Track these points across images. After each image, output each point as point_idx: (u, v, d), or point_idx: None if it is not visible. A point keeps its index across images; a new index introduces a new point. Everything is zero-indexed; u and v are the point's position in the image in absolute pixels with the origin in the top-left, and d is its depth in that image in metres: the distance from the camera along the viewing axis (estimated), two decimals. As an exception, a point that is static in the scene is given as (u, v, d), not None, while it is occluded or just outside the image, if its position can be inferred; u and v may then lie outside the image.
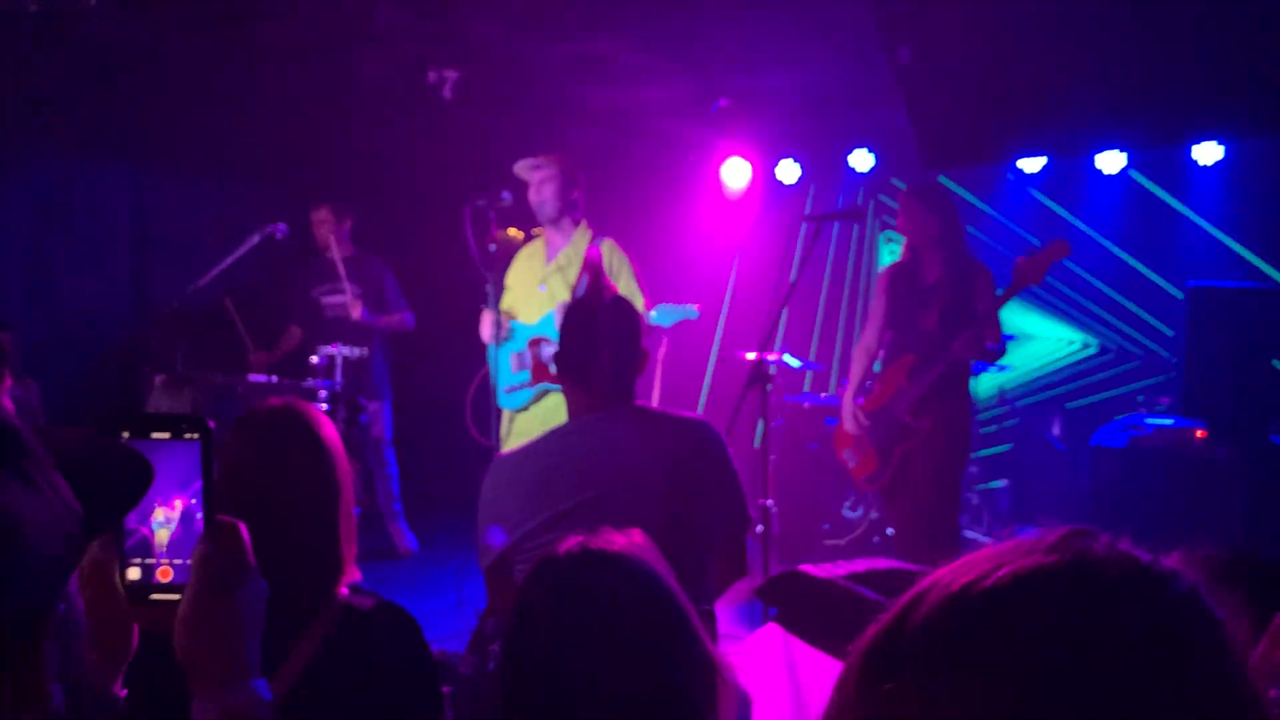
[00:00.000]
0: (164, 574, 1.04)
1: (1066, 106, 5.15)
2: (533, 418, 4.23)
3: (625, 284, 4.35)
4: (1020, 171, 6.67)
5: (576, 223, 4.38)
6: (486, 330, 4.40)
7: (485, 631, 3.19)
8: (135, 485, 0.87)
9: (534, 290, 4.33)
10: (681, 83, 5.64)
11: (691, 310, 4.16)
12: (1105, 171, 6.38)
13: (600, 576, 1.31)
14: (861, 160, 7.00)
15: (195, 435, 1.03)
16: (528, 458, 2.40)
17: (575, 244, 4.35)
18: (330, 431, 1.81)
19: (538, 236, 4.45)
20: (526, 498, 2.30)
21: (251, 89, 5.65)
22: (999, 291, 4.24)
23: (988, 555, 0.65)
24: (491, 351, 4.47)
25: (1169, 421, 5.41)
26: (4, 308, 5.95)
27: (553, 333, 4.25)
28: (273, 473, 1.73)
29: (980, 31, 4.62)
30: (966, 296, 4.27)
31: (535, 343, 4.25)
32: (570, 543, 1.36)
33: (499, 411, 4.50)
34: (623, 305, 2.49)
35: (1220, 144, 6.04)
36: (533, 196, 4.31)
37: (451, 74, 5.11)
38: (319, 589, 1.71)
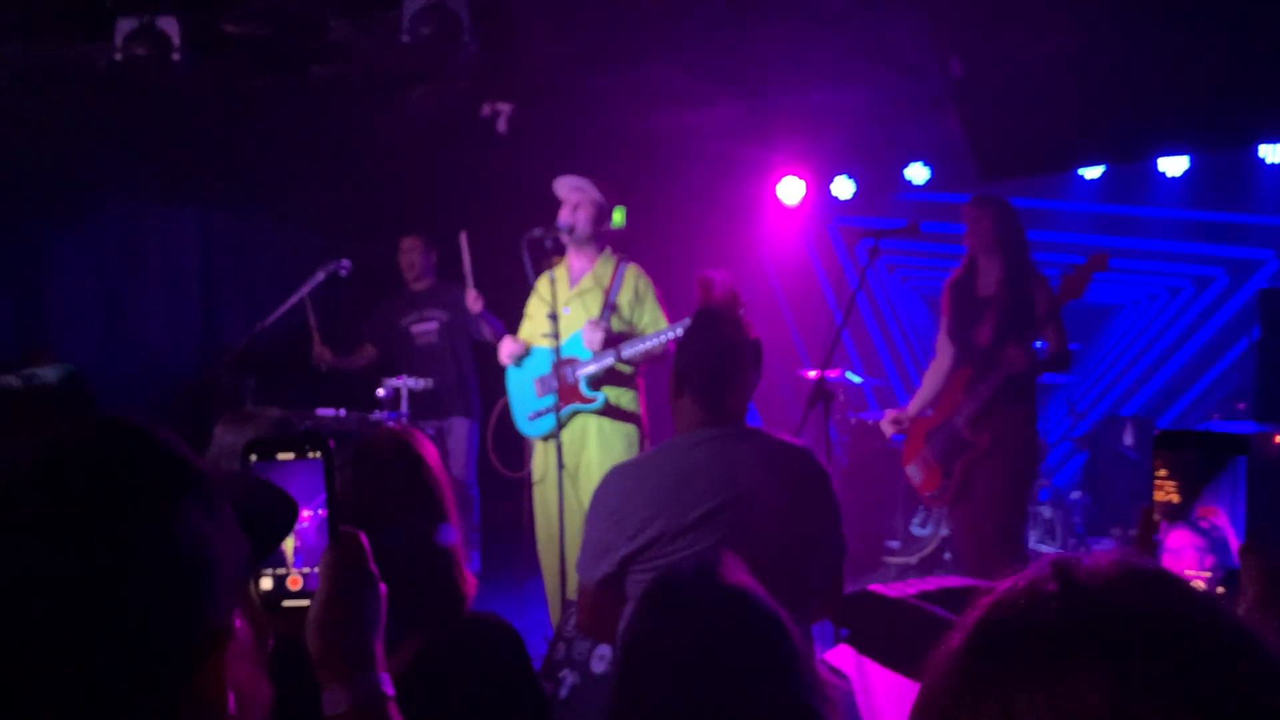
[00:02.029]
0: (293, 583, 1.11)
1: (1124, 112, 5.07)
2: (562, 444, 4.22)
3: (651, 308, 4.37)
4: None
5: (600, 250, 4.45)
6: (505, 352, 4.45)
7: (555, 657, 3.19)
8: (285, 520, 0.97)
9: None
10: (735, 104, 5.67)
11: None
12: (1168, 174, 6.28)
13: (724, 610, 1.35)
14: (917, 174, 6.95)
15: (317, 454, 1.11)
16: (649, 467, 2.39)
17: (598, 270, 4.41)
18: (435, 459, 1.93)
19: (558, 264, 4.47)
20: (650, 506, 2.28)
21: (312, 130, 5.79)
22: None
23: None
24: (511, 377, 4.50)
25: (1244, 427, 5.27)
26: (81, 346, 6.17)
27: (581, 353, 4.28)
28: (386, 500, 1.85)
29: (1032, 39, 4.57)
30: (1023, 307, 4.22)
31: (562, 364, 4.25)
32: (694, 570, 1.39)
33: (527, 440, 4.52)
34: (749, 325, 2.48)
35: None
36: (565, 216, 4.36)
37: (506, 107, 5.19)
38: (441, 611, 1.84)
